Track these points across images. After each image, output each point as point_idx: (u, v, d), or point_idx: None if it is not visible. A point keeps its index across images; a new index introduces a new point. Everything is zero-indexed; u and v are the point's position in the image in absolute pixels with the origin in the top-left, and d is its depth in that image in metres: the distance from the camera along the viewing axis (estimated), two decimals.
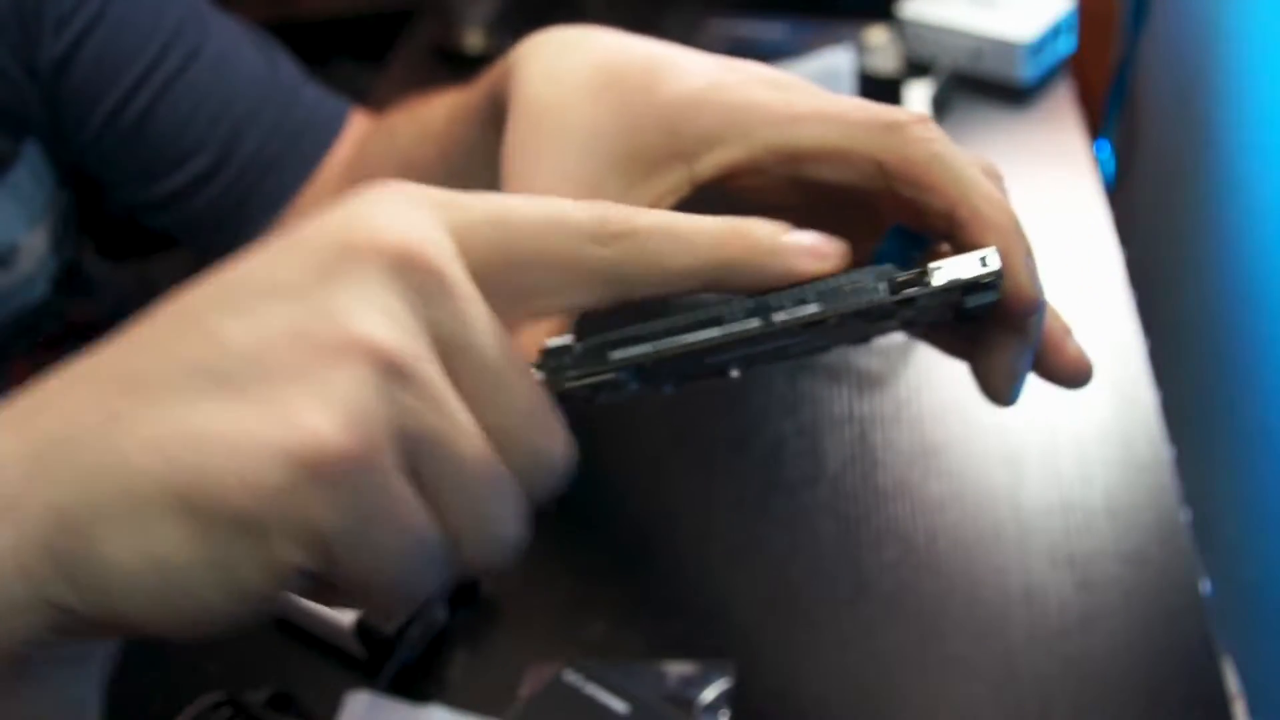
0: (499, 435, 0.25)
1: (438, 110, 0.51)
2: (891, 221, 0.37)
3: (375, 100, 0.63)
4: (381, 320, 0.23)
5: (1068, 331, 0.37)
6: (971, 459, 0.60)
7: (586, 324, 0.32)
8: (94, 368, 0.24)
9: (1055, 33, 0.90)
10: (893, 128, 0.34)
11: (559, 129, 0.37)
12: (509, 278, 0.26)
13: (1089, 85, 1.08)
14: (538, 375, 0.30)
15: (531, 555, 0.58)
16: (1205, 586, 0.53)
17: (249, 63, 0.59)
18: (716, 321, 0.29)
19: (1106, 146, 1.34)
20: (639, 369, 0.30)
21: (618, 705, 0.45)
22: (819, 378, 0.66)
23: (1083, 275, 0.70)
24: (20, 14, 0.53)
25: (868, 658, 0.52)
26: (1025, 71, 0.88)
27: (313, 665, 0.54)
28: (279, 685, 0.50)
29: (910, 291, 0.29)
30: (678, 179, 0.37)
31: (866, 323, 0.31)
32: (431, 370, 0.24)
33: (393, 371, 0.23)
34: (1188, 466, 0.60)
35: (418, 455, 0.24)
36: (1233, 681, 0.50)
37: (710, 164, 0.36)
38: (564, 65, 0.38)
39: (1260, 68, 1.01)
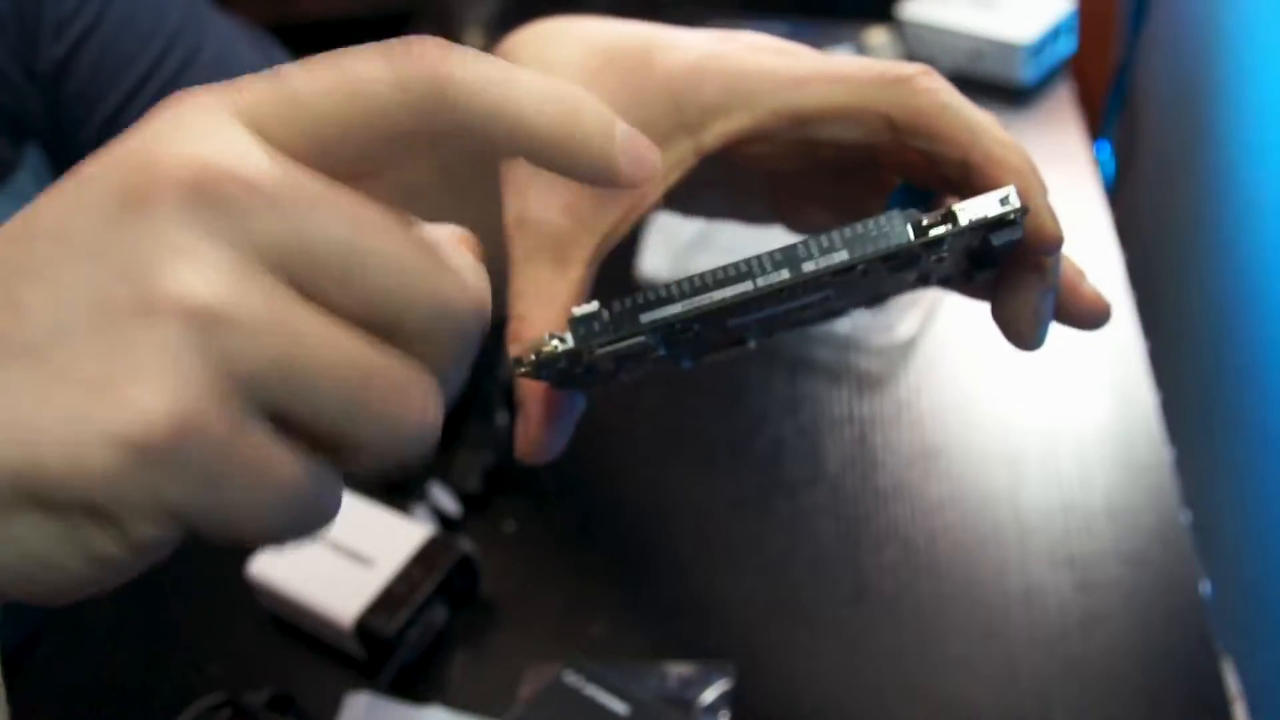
0: (386, 305, 0.23)
1: None
2: (895, 180, 0.37)
3: None
4: (185, 268, 0.22)
5: (1082, 274, 0.37)
6: (971, 460, 0.60)
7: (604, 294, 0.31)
8: None
9: (1055, 34, 0.90)
10: (899, 81, 0.34)
11: None
12: (325, 149, 0.24)
13: (1089, 86, 1.08)
14: (568, 344, 0.29)
15: (531, 555, 0.59)
16: (1205, 588, 0.53)
17: (248, 64, 0.59)
18: (746, 276, 0.29)
19: (1106, 147, 1.34)
20: (668, 331, 0.30)
21: (618, 706, 0.45)
22: (819, 378, 0.66)
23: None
24: (20, 17, 0.53)
25: (868, 659, 0.52)
26: (1025, 72, 0.88)
27: (313, 666, 0.54)
28: (279, 686, 0.50)
29: (937, 232, 0.29)
30: (682, 152, 0.36)
31: (889, 272, 0.31)
32: (257, 298, 0.22)
33: (209, 321, 0.21)
34: (1187, 468, 0.60)
35: (269, 391, 0.22)
36: (1233, 682, 0.50)
37: (716, 134, 0.36)
38: (556, 53, 0.38)
39: (1260, 68, 1.01)
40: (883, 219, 0.29)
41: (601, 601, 0.56)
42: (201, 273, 0.22)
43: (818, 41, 0.92)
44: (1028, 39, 0.87)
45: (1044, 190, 0.33)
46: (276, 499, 0.23)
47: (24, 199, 0.56)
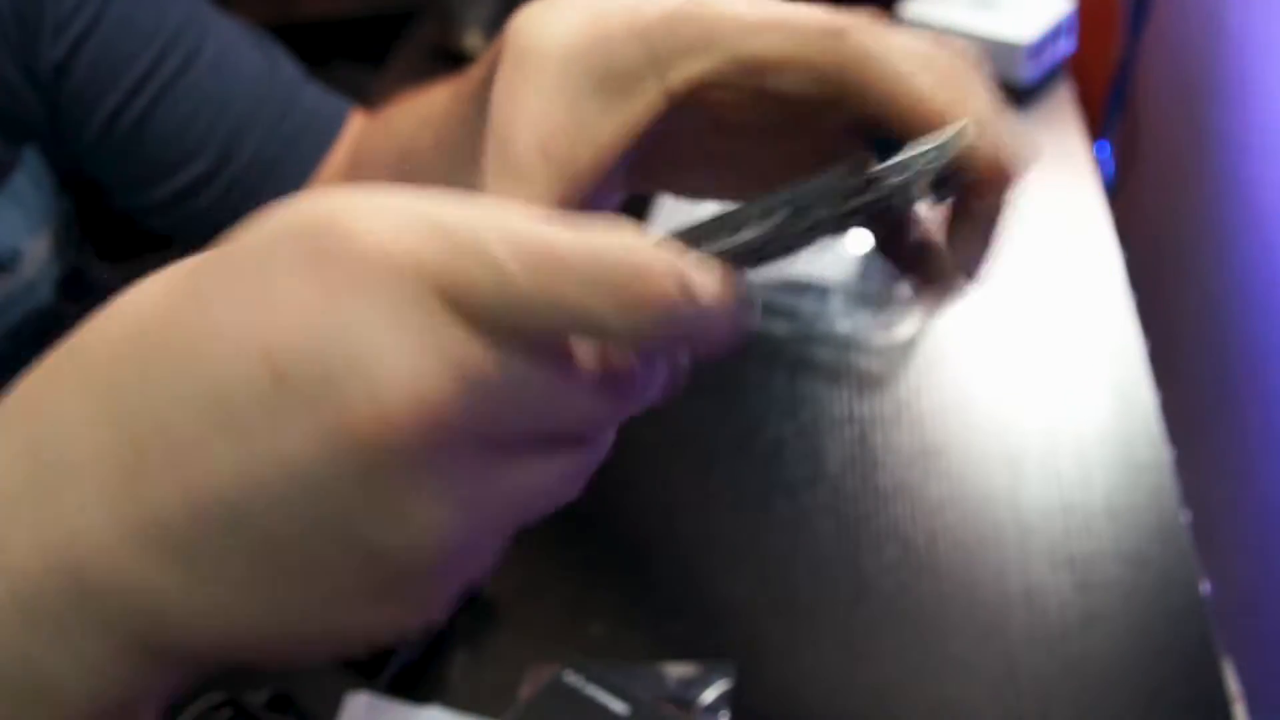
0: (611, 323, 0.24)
1: (434, 97, 0.51)
2: (852, 135, 0.37)
3: (375, 102, 0.63)
4: (434, 517, 0.23)
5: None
6: (971, 460, 0.60)
7: None
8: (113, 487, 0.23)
9: (1055, 34, 0.90)
10: (836, 33, 0.34)
11: (539, 59, 0.37)
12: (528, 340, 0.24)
13: (1089, 86, 1.08)
14: None
15: (531, 556, 0.59)
16: (1205, 587, 0.53)
17: (249, 64, 0.59)
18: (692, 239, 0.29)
19: (1106, 147, 1.34)
20: None
21: (618, 706, 0.45)
22: (819, 378, 0.66)
23: (1083, 275, 0.70)
24: (20, 18, 0.53)
25: (868, 659, 0.52)
26: (1025, 72, 0.88)
27: (313, 666, 0.54)
28: (279, 685, 0.50)
29: (864, 200, 0.29)
30: (653, 93, 0.36)
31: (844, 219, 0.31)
32: (491, 516, 0.24)
33: (459, 537, 0.23)
34: (1187, 467, 0.60)
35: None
36: (1233, 682, 0.50)
37: (679, 75, 0.36)
38: (551, 16, 0.39)
39: (1260, 68, 1.01)
40: (824, 179, 0.29)
41: (601, 601, 0.56)
42: (446, 512, 0.23)
43: None
44: (1028, 39, 0.87)
45: (995, 112, 0.32)
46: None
47: (22, 199, 0.56)
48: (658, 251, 0.24)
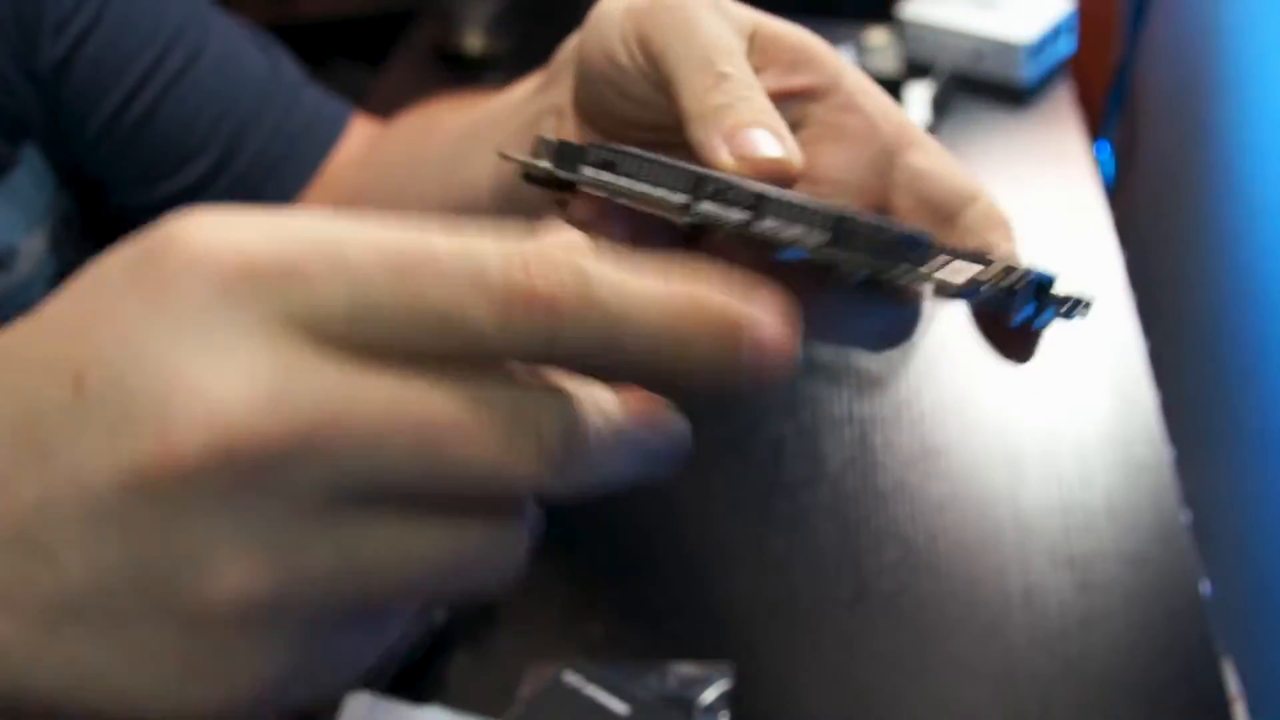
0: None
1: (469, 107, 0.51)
2: None
3: (374, 102, 0.63)
4: (226, 562, 0.19)
5: None
6: (971, 460, 0.60)
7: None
8: None
9: (1055, 34, 0.90)
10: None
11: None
12: (393, 361, 0.20)
13: (1089, 86, 1.08)
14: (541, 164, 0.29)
15: (532, 555, 0.58)
16: (1205, 587, 0.53)
17: (251, 64, 0.59)
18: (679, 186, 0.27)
19: (1106, 147, 1.34)
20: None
21: (618, 706, 0.45)
22: (819, 378, 0.66)
23: (1083, 275, 0.70)
24: (19, 18, 0.53)
25: (867, 659, 0.52)
26: (1025, 73, 0.88)
27: None
28: None
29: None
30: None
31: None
32: (316, 563, 0.19)
33: (271, 613, 0.19)
34: (1187, 467, 0.60)
35: (349, 589, 0.20)
36: (1233, 682, 0.50)
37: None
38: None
39: (1260, 68, 1.01)
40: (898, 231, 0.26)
41: (601, 601, 0.56)
42: (247, 563, 0.19)
43: None
44: (1028, 39, 0.87)
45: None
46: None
47: (20, 197, 0.56)
48: (559, 246, 0.20)
